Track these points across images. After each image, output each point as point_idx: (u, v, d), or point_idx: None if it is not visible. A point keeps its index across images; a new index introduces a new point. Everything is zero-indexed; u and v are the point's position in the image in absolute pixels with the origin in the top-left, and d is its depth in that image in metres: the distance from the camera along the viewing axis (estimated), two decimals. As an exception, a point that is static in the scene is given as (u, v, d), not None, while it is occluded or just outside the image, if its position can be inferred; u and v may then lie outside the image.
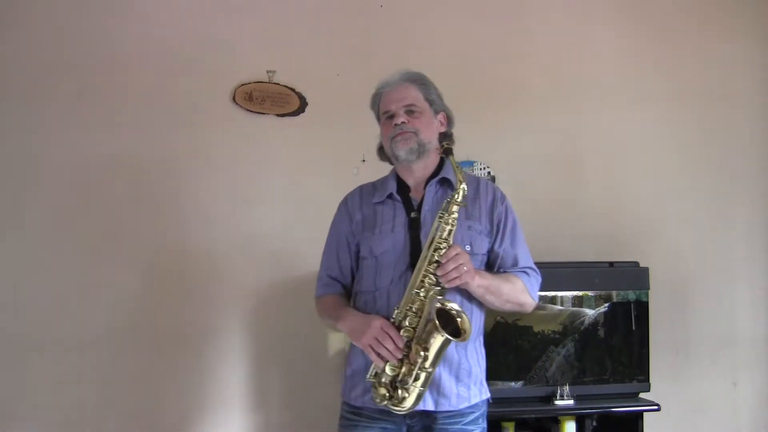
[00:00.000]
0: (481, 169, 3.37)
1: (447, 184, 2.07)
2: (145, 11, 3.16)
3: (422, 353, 1.83)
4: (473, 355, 2.02)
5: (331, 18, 3.31)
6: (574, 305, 3.10)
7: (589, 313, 3.10)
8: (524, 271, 2.07)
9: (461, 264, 1.85)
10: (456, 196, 1.91)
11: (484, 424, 2.06)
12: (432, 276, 1.87)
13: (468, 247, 1.98)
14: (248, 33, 3.23)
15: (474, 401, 2.00)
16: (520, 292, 2.03)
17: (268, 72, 3.21)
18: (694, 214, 3.56)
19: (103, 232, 3.07)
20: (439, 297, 1.86)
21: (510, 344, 3.04)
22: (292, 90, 3.23)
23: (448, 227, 1.89)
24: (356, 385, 2.00)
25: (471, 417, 2.00)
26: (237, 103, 3.19)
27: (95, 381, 3.03)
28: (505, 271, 2.05)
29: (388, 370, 1.85)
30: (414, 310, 1.87)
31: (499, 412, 2.96)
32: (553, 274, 3.09)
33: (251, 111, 3.20)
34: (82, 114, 3.08)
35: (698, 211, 3.57)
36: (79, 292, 3.04)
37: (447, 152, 1.99)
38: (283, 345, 3.17)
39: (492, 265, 2.07)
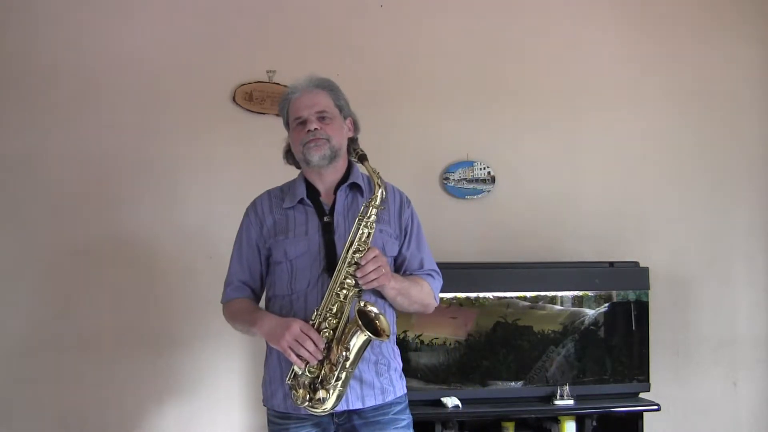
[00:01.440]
0: (481, 169, 3.37)
1: (356, 189, 2.10)
2: (145, 11, 3.16)
3: (344, 353, 1.85)
4: (388, 350, 2.05)
5: (331, 18, 3.31)
6: (574, 305, 3.11)
7: (589, 313, 3.11)
8: (429, 274, 2.11)
9: (380, 266, 1.89)
10: (374, 200, 1.93)
11: (410, 415, 2.09)
12: (351, 277, 1.89)
13: (381, 250, 1.99)
14: (248, 33, 3.23)
15: (398, 393, 2.05)
16: (426, 295, 2.07)
17: (268, 72, 3.21)
18: (694, 214, 3.56)
19: (103, 231, 3.07)
20: (357, 298, 1.90)
21: (510, 344, 3.04)
22: (292, 90, 3.23)
23: (367, 230, 1.92)
24: (276, 391, 2.02)
25: (398, 407, 2.04)
26: (237, 103, 3.19)
27: (95, 381, 3.03)
28: (411, 274, 2.08)
29: (307, 371, 1.87)
30: (333, 311, 1.89)
31: (499, 412, 2.97)
32: (553, 274, 3.11)
33: (251, 111, 3.20)
34: (82, 114, 3.09)
35: (698, 211, 3.57)
36: (79, 292, 3.04)
37: (362, 158, 2.00)
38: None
39: (399, 267, 2.10)
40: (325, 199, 2.08)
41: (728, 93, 3.62)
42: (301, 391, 1.88)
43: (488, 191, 3.37)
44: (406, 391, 2.10)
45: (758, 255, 3.61)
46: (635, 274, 3.16)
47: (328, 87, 2.11)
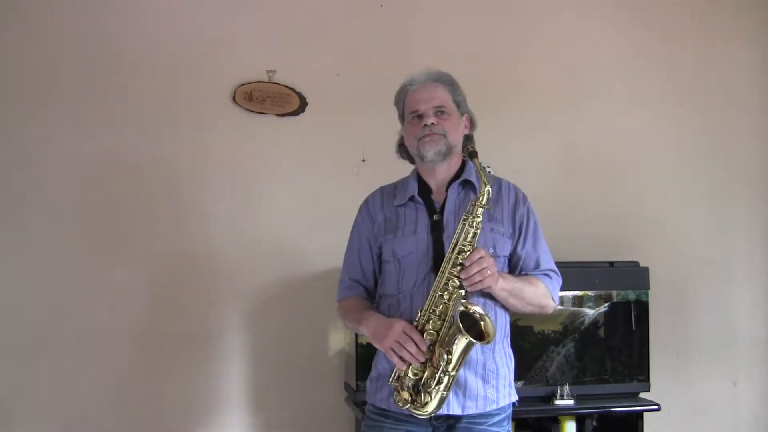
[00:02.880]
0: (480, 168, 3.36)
1: (469, 187, 2.05)
2: (145, 11, 3.16)
3: (445, 356, 1.81)
4: (500, 357, 2.00)
5: (331, 18, 3.30)
6: (574, 305, 3.10)
7: (589, 313, 3.10)
8: (546, 274, 2.05)
9: (485, 268, 1.83)
10: (481, 198, 1.89)
11: (509, 427, 2.04)
12: (456, 279, 1.85)
13: (491, 250, 1.96)
14: (248, 33, 3.23)
15: (502, 404, 1.98)
16: (542, 296, 2.01)
17: (268, 72, 3.21)
18: (694, 213, 3.56)
19: (103, 232, 3.07)
20: (463, 300, 1.85)
21: (510, 344, 3.03)
22: (292, 90, 3.23)
23: (473, 230, 1.87)
24: (381, 387, 1.98)
25: (497, 418, 1.98)
26: (237, 103, 3.19)
27: (95, 381, 3.03)
28: (527, 274, 2.03)
29: (410, 373, 1.84)
30: (437, 313, 1.85)
31: (499, 412, 2.96)
32: (553, 274, 3.10)
33: (251, 111, 3.20)
34: (82, 114, 3.08)
35: (698, 211, 3.57)
36: (79, 292, 3.04)
37: (472, 155, 1.96)
38: (283, 345, 3.17)
39: (514, 267, 2.05)
40: (437, 197, 2.04)
41: (728, 93, 3.62)
42: (404, 392, 1.85)
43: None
44: (514, 400, 2.04)
45: (758, 255, 3.61)
46: (635, 274, 3.16)
47: (447, 81, 2.06)
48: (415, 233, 1.98)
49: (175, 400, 3.10)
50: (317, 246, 3.13)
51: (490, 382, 1.96)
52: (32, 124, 3.04)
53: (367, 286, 2.11)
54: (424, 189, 2.05)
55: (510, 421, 2.04)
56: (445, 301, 1.85)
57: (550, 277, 2.06)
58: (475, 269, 1.83)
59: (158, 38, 3.16)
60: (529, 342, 3.04)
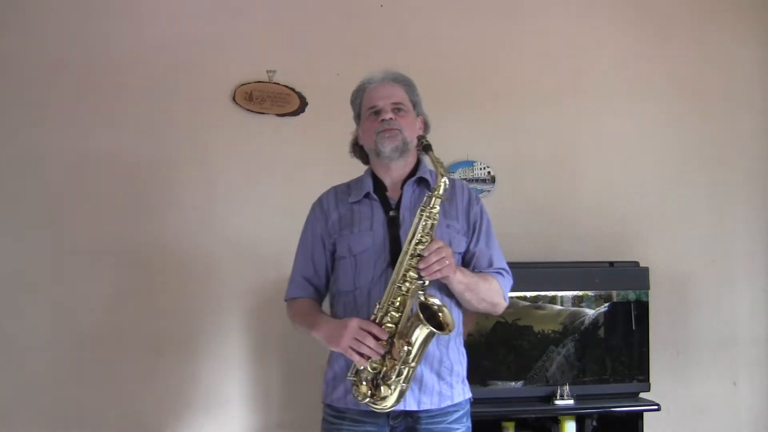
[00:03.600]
0: (481, 169, 3.37)
1: (424, 184, 2.07)
2: (145, 11, 3.16)
3: (406, 348, 1.81)
4: (454, 353, 2.02)
5: (331, 18, 3.31)
6: (574, 305, 3.10)
7: (589, 313, 3.10)
8: (499, 272, 2.07)
9: (444, 257, 1.85)
10: (437, 190, 1.90)
11: (469, 423, 2.06)
12: (414, 270, 1.86)
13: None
14: (248, 33, 3.23)
15: (457, 399, 2.00)
16: (495, 293, 2.03)
17: (268, 72, 3.21)
18: (694, 213, 3.56)
19: (103, 231, 3.07)
20: (421, 292, 1.86)
21: (510, 344, 3.04)
22: (292, 90, 3.23)
23: (430, 221, 1.88)
24: (337, 386, 1.99)
25: (455, 416, 2.00)
26: (237, 103, 3.19)
27: (95, 381, 3.03)
28: (480, 272, 2.05)
29: (369, 367, 1.83)
30: (396, 305, 1.86)
31: (499, 412, 2.97)
32: (553, 274, 3.11)
33: (251, 111, 3.20)
34: (81, 114, 3.08)
35: (698, 211, 3.57)
36: (79, 292, 3.04)
37: (426, 148, 1.97)
38: (283, 345, 3.17)
39: (467, 264, 2.07)
40: (392, 194, 2.06)
41: (728, 92, 3.62)
42: (363, 387, 1.85)
43: (488, 191, 3.37)
44: (469, 397, 2.05)
45: (758, 255, 3.61)
46: (635, 274, 3.16)
47: (405, 82, 2.10)
48: (371, 229, 1.99)
49: (175, 400, 3.10)
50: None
51: (445, 378, 1.97)
52: (32, 124, 3.05)
53: (318, 284, 2.12)
54: (379, 186, 2.07)
55: (469, 417, 2.06)
56: (404, 292, 1.86)
57: (503, 276, 2.08)
58: (434, 258, 1.84)
59: (158, 38, 3.16)
60: (529, 342, 3.05)
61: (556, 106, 3.45)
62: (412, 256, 1.86)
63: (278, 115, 3.23)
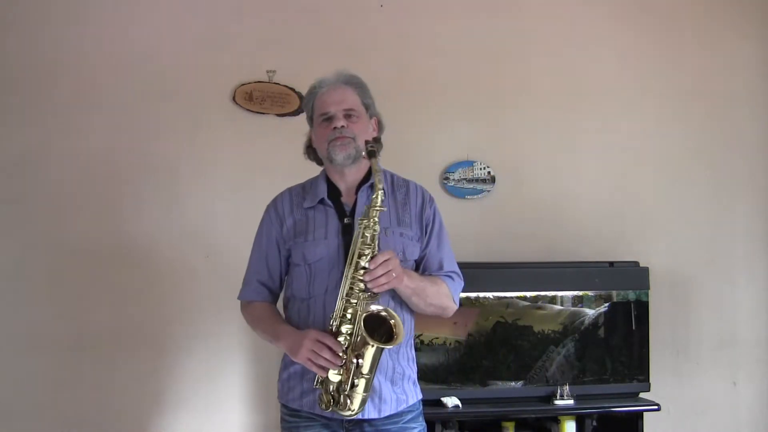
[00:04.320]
0: (481, 169, 3.37)
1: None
2: (145, 11, 3.16)
3: (358, 360, 1.81)
4: (404, 359, 2.02)
5: (331, 18, 3.31)
6: (574, 305, 3.10)
7: (589, 313, 3.10)
8: (449, 276, 2.04)
9: (390, 270, 1.83)
10: (375, 200, 1.88)
11: (424, 423, 2.07)
12: (360, 282, 1.85)
13: (400, 254, 1.97)
14: (248, 33, 3.23)
15: (411, 401, 2.02)
16: (444, 296, 2.01)
17: (268, 72, 3.21)
18: (694, 213, 3.56)
19: (103, 231, 3.07)
20: (370, 300, 1.85)
21: (510, 344, 3.04)
22: (292, 90, 3.23)
23: (370, 233, 1.86)
24: (293, 387, 2.00)
25: (410, 416, 2.01)
26: (237, 103, 3.19)
27: (95, 381, 3.03)
28: (430, 275, 2.04)
29: (331, 377, 1.84)
30: (347, 317, 1.85)
31: (499, 412, 2.97)
32: (553, 274, 3.11)
33: (251, 111, 3.20)
34: (81, 114, 3.09)
35: (698, 211, 3.57)
36: (79, 292, 3.04)
37: (370, 154, 1.94)
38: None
39: (417, 267, 2.06)
40: (347, 200, 2.04)
41: (728, 93, 3.62)
42: (326, 396, 1.86)
43: (488, 191, 3.37)
44: (420, 398, 2.06)
45: (758, 255, 3.61)
46: (635, 274, 3.16)
47: (356, 84, 2.06)
48: (326, 238, 1.97)
49: (175, 400, 3.10)
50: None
51: (398, 383, 1.98)
52: (32, 124, 3.05)
53: (273, 287, 2.11)
54: (334, 192, 2.05)
55: (423, 417, 2.07)
56: (353, 304, 1.85)
57: (453, 279, 2.05)
58: (381, 271, 1.82)
59: (158, 38, 3.16)
60: (529, 342, 3.05)
61: (556, 106, 3.45)
62: (357, 269, 1.85)
63: (278, 115, 3.23)
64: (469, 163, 3.37)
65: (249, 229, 3.15)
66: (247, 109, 3.20)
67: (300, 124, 3.20)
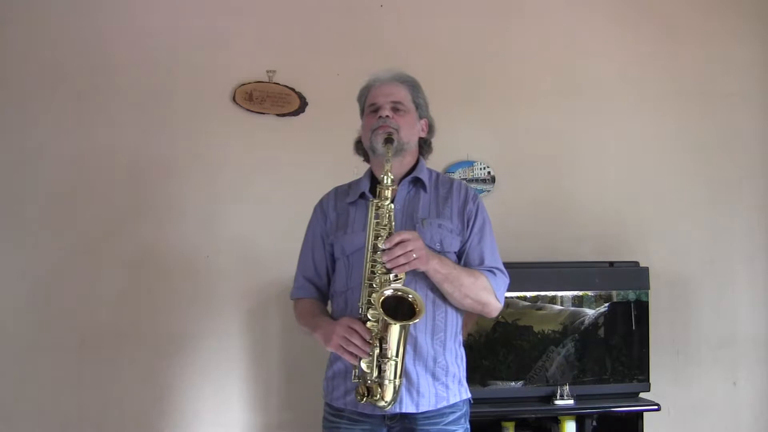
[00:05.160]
0: (481, 169, 3.37)
1: (419, 184, 2.07)
2: (145, 11, 3.16)
3: (384, 345, 1.81)
4: (450, 354, 2.00)
5: (331, 18, 3.31)
6: (574, 305, 3.10)
7: (589, 313, 3.10)
8: (491, 270, 2.03)
9: (410, 251, 1.82)
10: (386, 181, 1.91)
11: (467, 425, 2.04)
12: (380, 264, 1.85)
13: (438, 245, 1.97)
14: (248, 33, 3.23)
15: (453, 401, 1.99)
16: (482, 289, 1.98)
17: (268, 72, 3.21)
18: (694, 213, 3.56)
19: (103, 232, 3.07)
20: (395, 285, 1.83)
21: (510, 344, 3.04)
22: (292, 90, 3.23)
23: (386, 212, 1.88)
24: (338, 386, 2.00)
25: (452, 417, 1.98)
26: (237, 103, 3.19)
27: (95, 381, 3.03)
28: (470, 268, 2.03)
29: (364, 366, 1.83)
30: (372, 302, 1.84)
31: (499, 412, 2.97)
32: (553, 274, 3.10)
33: (251, 111, 3.20)
34: (81, 114, 3.09)
35: (698, 211, 3.57)
36: (79, 292, 3.04)
37: (387, 141, 1.97)
38: (283, 345, 3.17)
39: (459, 262, 2.05)
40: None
41: (728, 93, 3.62)
42: (360, 387, 1.85)
43: (488, 191, 3.37)
44: (466, 397, 2.04)
45: (758, 255, 3.61)
46: (635, 274, 3.16)
47: (409, 83, 2.11)
48: (364, 230, 1.97)
49: (175, 400, 3.10)
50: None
51: (440, 378, 1.96)
52: (32, 124, 3.05)
53: (320, 284, 2.13)
54: (376, 186, 2.04)
55: (467, 419, 2.05)
56: (376, 289, 1.84)
57: (495, 274, 2.03)
58: (399, 252, 1.82)
59: (158, 38, 3.16)
60: (529, 342, 3.04)
61: (556, 106, 3.45)
62: (375, 250, 1.86)
63: (278, 115, 3.23)
64: (469, 163, 3.37)
65: (249, 228, 3.19)
66: (247, 109, 3.20)
67: (300, 125, 3.24)
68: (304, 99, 3.24)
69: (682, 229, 3.54)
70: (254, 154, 3.20)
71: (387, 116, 2.02)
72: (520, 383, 3.03)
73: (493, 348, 3.03)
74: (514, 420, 3.02)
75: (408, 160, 2.08)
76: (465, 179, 3.35)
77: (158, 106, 3.14)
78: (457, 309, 2.03)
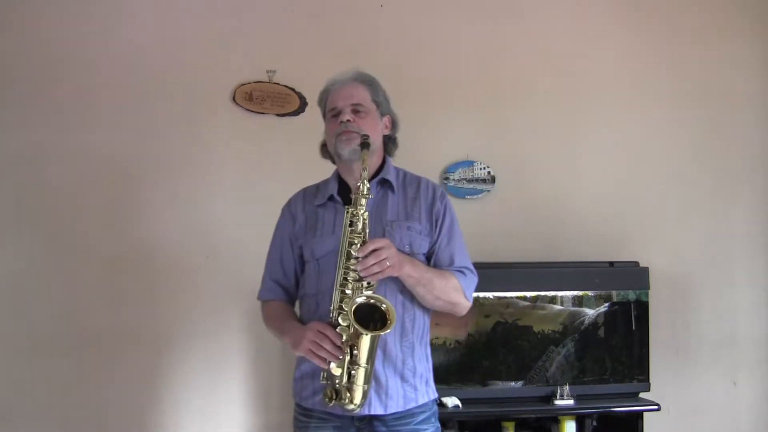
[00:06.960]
0: (481, 169, 3.37)
1: (387, 185, 2.06)
2: (145, 11, 3.16)
3: (353, 351, 1.81)
4: (419, 355, 2.01)
5: (331, 18, 3.31)
6: (574, 305, 3.11)
7: (589, 313, 3.11)
8: (460, 271, 2.02)
9: (384, 259, 1.83)
10: (361, 188, 1.89)
11: (437, 424, 2.05)
12: (353, 272, 1.85)
13: (407, 247, 1.97)
14: (248, 33, 3.23)
15: (422, 401, 1.99)
16: (453, 290, 1.98)
17: (268, 72, 3.21)
18: (694, 214, 3.56)
19: (103, 231, 3.07)
20: (367, 292, 1.84)
21: (510, 344, 3.04)
22: (292, 90, 3.23)
23: (360, 220, 1.87)
24: (306, 386, 2.01)
25: (422, 417, 1.99)
26: (237, 103, 3.19)
27: (95, 381, 3.03)
28: (440, 269, 2.03)
29: (334, 370, 1.83)
30: (344, 309, 1.84)
31: (499, 412, 2.97)
32: (553, 274, 3.11)
33: (251, 111, 3.20)
34: (81, 114, 3.09)
35: (698, 211, 3.57)
36: (79, 292, 3.04)
37: (363, 145, 1.94)
38: (282, 345, 3.16)
39: (428, 263, 2.04)
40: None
41: (728, 93, 3.62)
42: (328, 390, 1.86)
43: (488, 191, 3.37)
44: (434, 397, 2.04)
45: (758, 255, 3.61)
46: (635, 274, 3.16)
47: (367, 81, 2.08)
48: (333, 233, 1.98)
49: (175, 399, 3.10)
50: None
51: (408, 380, 1.97)
52: (32, 125, 3.04)
53: (287, 286, 2.12)
54: (344, 188, 2.06)
55: (437, 418, 2.05)
56: (349, 295, 1.85)
57: (464, 274, 2.03)
58: (372, 260, 1.82)
59: (158, 38, 3.16)
60: (529, 342, 3.05)
61: (556, 106, 3.45)
62: (348, 258, 1.86)
63: (278, 115, 3.23)
64: (469, 163, 3.37)
65: (249, 229, 3.18)
66: (247, 109, 3.20)
67: (300, 125, 3.24)
68: (304, 99, 3.24)
69: (682, 229, 3.54)
70: (254, 154, 3.20)
71: (348, 120, 2.00)
72: (520, 383, 3.03)
73: (493, 348, 3.03)
74: (514, 420, 3.03)
75: (374, 161, 2.06)
76: (465, 179, 3.35)
77: (158, 105, 3.14)
78: (425, 310, 2.03)
